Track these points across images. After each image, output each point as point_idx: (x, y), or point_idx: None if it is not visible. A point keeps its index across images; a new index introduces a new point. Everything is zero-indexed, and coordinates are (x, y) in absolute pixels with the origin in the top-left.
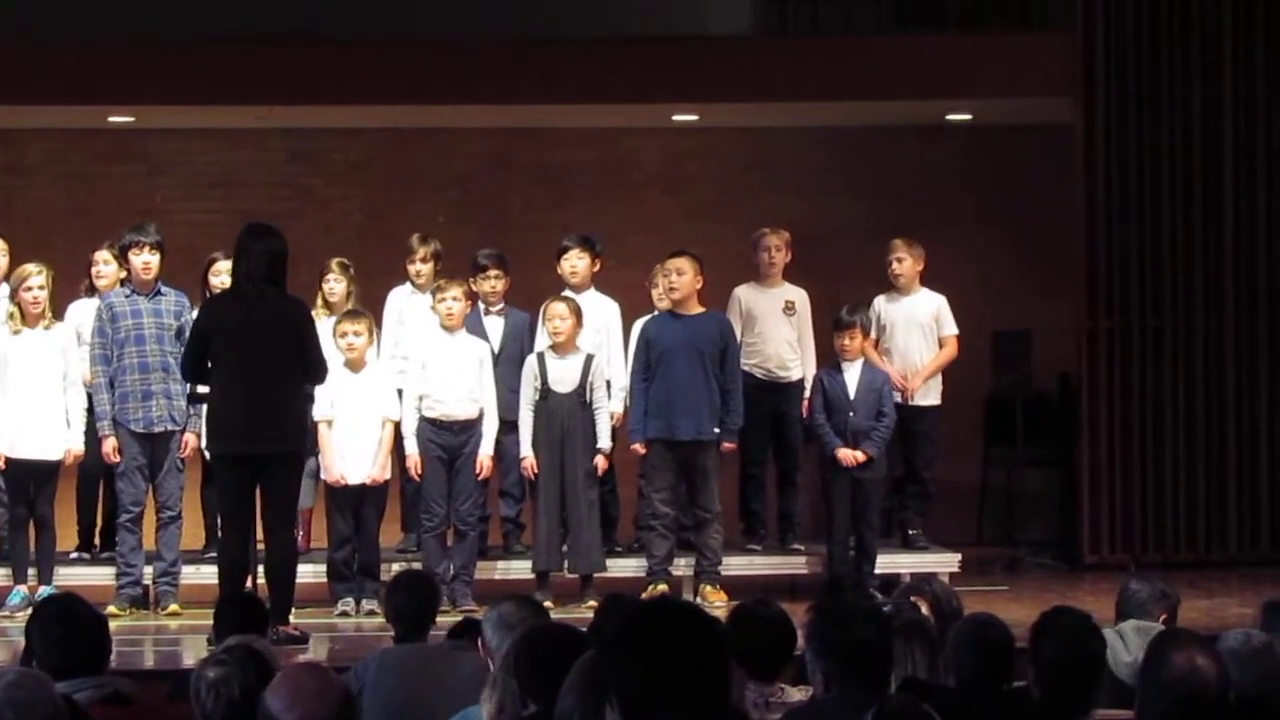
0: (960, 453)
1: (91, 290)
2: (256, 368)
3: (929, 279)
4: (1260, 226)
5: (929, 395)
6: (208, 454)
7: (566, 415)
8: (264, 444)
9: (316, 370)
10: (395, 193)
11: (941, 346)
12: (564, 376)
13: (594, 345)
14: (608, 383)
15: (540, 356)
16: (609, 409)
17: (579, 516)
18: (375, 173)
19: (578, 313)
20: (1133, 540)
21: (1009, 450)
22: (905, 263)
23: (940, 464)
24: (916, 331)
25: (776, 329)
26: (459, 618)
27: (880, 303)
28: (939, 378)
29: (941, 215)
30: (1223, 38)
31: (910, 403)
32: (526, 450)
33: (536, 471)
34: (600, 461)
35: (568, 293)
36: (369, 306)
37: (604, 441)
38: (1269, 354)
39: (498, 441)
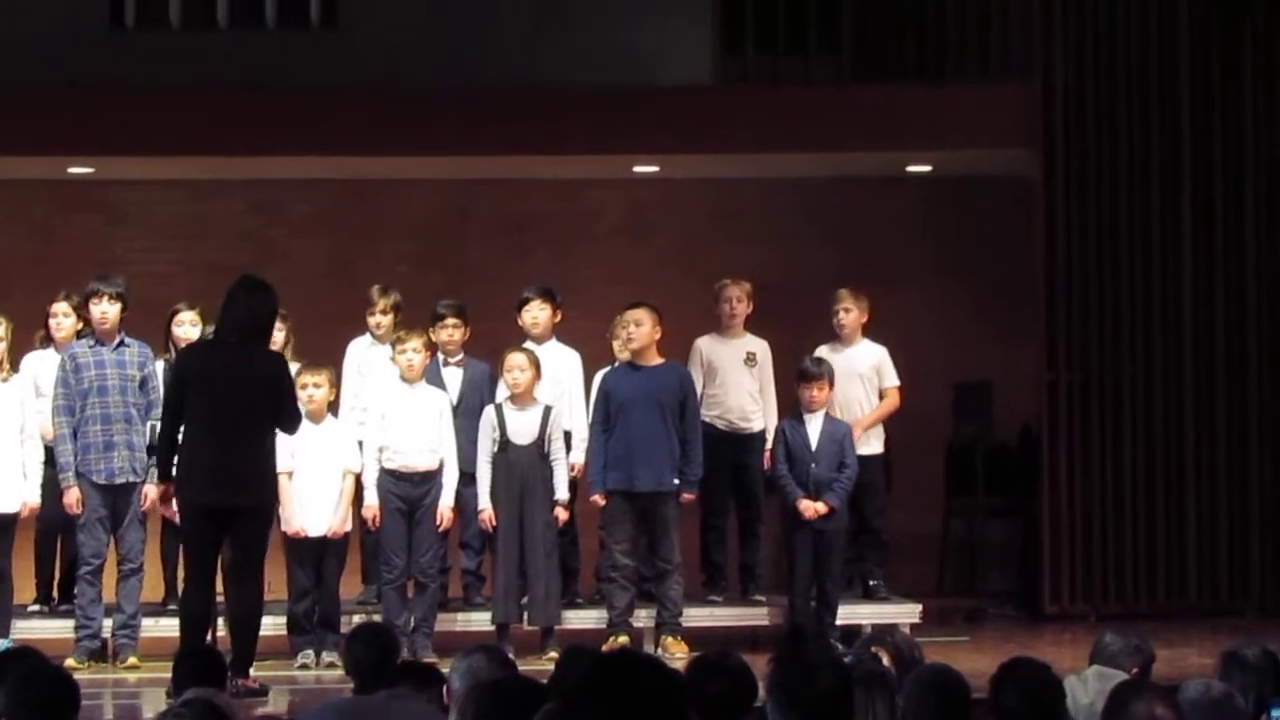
0: (921, 503)
1: (48, 341)
2: (230, 419)
3: (890, 329)
4: (1218, 279)
5: (870, 444)
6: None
7: (526, 467)
8: (234, 497)
9: (291, 421)
10: (356, 244)
11: (883, 398)
12: (523, 428)
13: (554, 396)
14: (567, 434)
15: (499, 408)
16: (568, 460)
17: (538, 568)
18: (337, 224)
19: (536, 364)
20: (1093, 590)
21: (970, 501)
22: (851, 314)
23: (901, 515)
24: (857, 382)
25: (738, 380)
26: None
27: (823, 353)
28: (880, 427)
29: (903, 266)
30: (1180, 92)
31: None
32: (485, 503)
33: (495, 524)
34: (560, 513)
35: (528, 344)
36: (330, 358)
37: (563, 493)
38: (1226, 405)
39: (457, 493)
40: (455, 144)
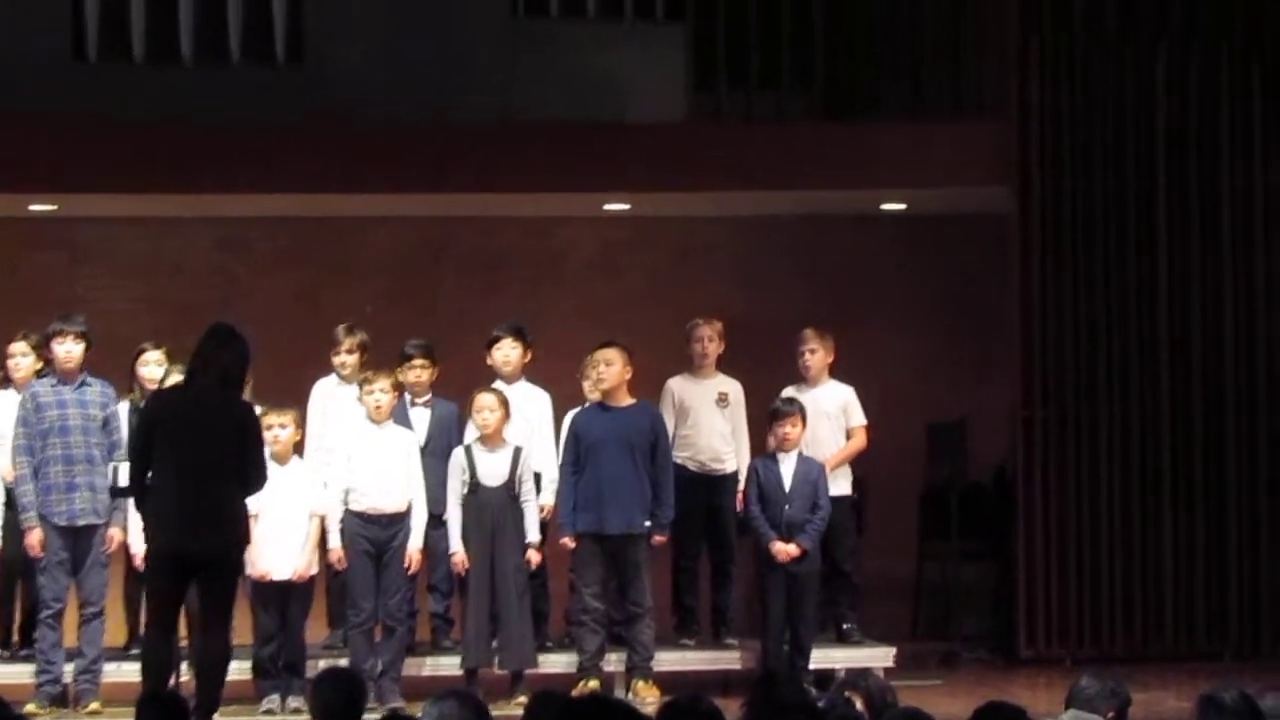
0: (895, 546)
1: (6, 383)
2: (200, 466)
3: (864, 368)
4: (1194, 315)
5: (838, 485)
6: (134, 549)
7: (496, 509)
8: (203, 545)
9: (255, 478)
10: (323, 281)
11: (850, 438)
12: (493, 469)
13: (524, 437)
14: (537, 475)
15: (468, 449)
16: (538, 502)
17: (509, 611)
18: (303, 261)
19: (505, 404)
20: (1069, 634)
21: (944, 543)
22: (816, 354)
23: (875, 557)
24: (824, 423)
25: (710, 421)
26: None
27: (789, 395)
28: (848, 468)
29: (877, 304)
30: (1156, 127)
31: None
32: (456, 545)
33: (467, 567)
34: (532, 555)
35: (498, 384)
36: (295, 398)
37: (533, 535)
38: (1203, 443)
39: (425, 535)
40: (424, 181)
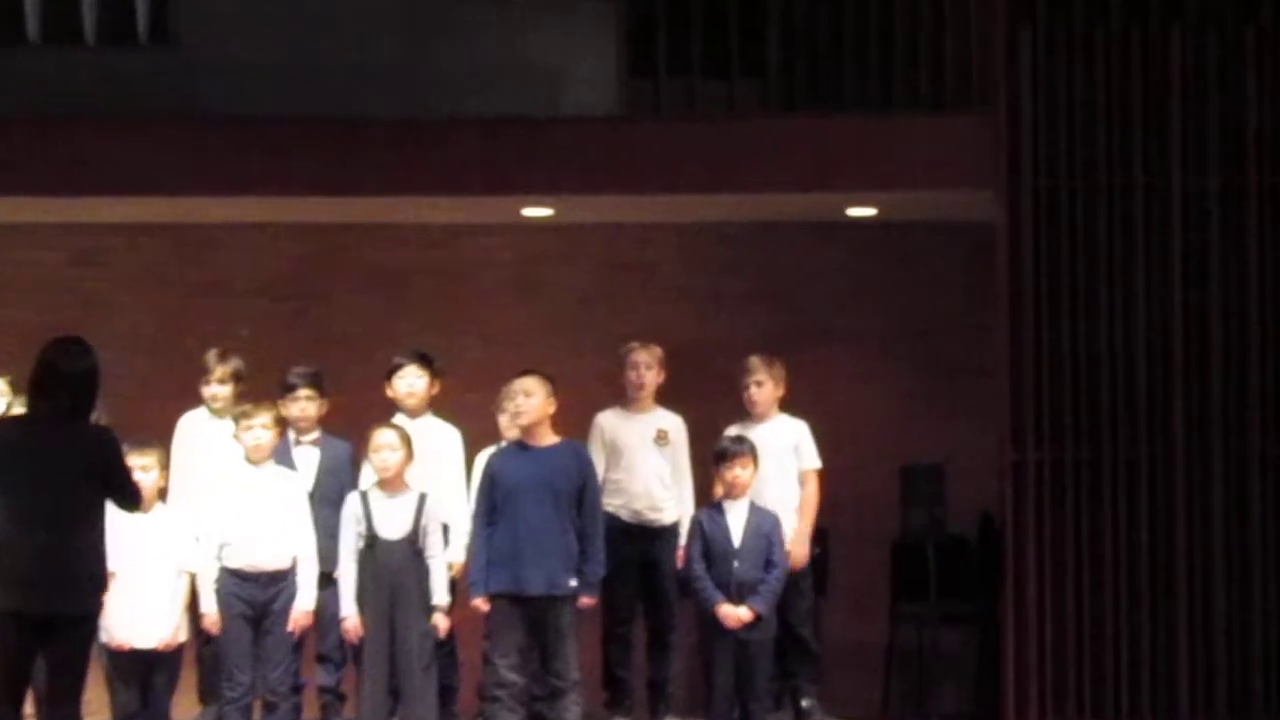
0: (863, 607)
1: None
2: (49, 510)
3: (825, 402)
4: (1213, 341)
5: (790, 525)
6: None
7: (397, 566)
8: (55, 603)
9: (129, 498)
10: (194, 300)
11: (802, 485)
12: (393, 519)
13: (430, 481)
14: (445, 527)
15: (364, 496)
16: (446, 558)
17: (411, 686)
18: (171, 277)
19: (408, 443)
20: (1066, 707)
21: (920, 604)
22: (764, 387)
23: (840, 620)
24: (772, 465)
25: (646, 462)
26: None
27: (735, 432)
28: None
29: (841, 328)
30: (1170, 122)
31: None
32: (349, 609)
33: (361, 634)
34: (438, 620)
35: (399, 418)
36: (159, 436)
37: (440, 597)
38: (1223, 489)
39: (314, 596)
40: (313, 183)
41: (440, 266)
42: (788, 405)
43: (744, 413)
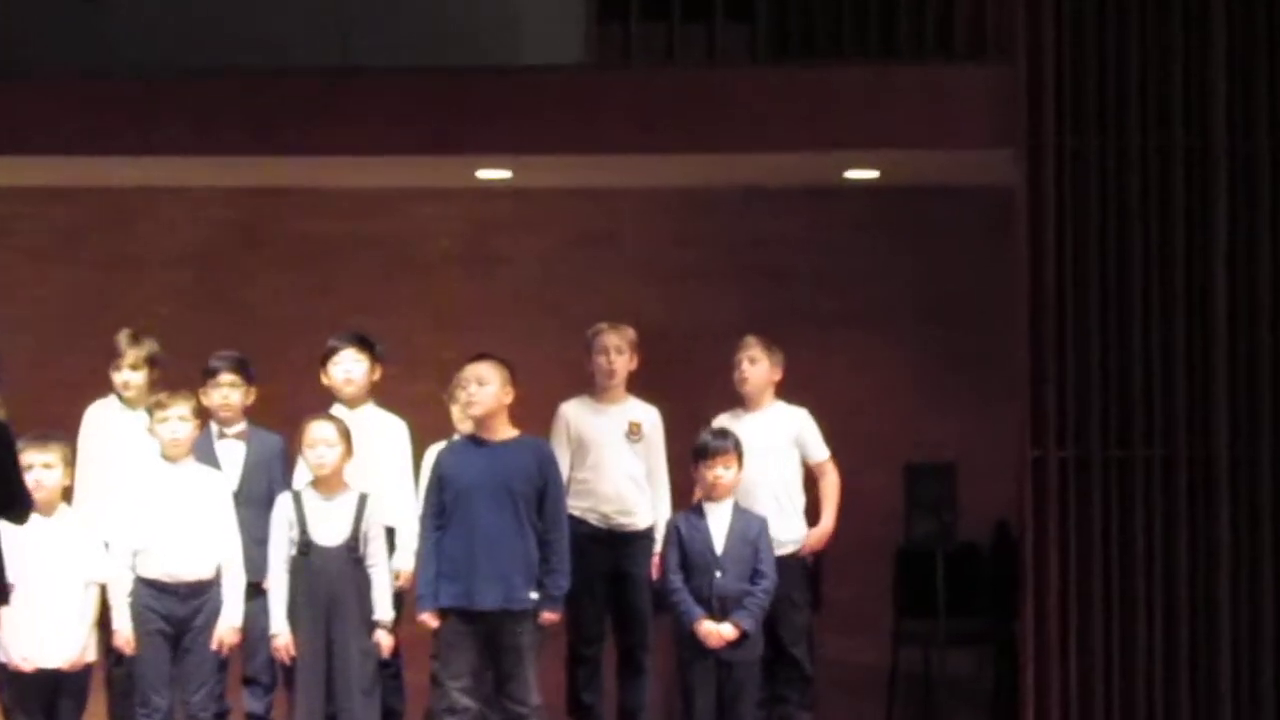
0: (862, 625)
1: None
2: None
3: (819, 393)
4: (1263, 323)
5: (789, 532)
6: None
7: (334, 576)
8: None
9: (16, 507)
10: (104, 275)
11: (820, 476)
12: (329, 523)
13: (372, 480)
14: (389, 531)
15: (296, 496)
16: (392, 567)
17: (351, 712)
18: (79, 248)
19: (347, 436)
20: None
21: (927, 622)
22: (759, 366)
23: (836, 640)
24: (769, 460)
25: (617, 460)
26: None
27: (723, 423)
28: (800, 514)
29: (837, 308)
30: (1214, 74)
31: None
32: (279, 624)
33: (294, 653)
34: (381, 638)
35: (336, 409)
36: (64, 429)
37: (384, 611)
38: (1272, 491)
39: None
40: (236, 142)
41: (382, 237)
42: (781, 394)
43: (732, 401)
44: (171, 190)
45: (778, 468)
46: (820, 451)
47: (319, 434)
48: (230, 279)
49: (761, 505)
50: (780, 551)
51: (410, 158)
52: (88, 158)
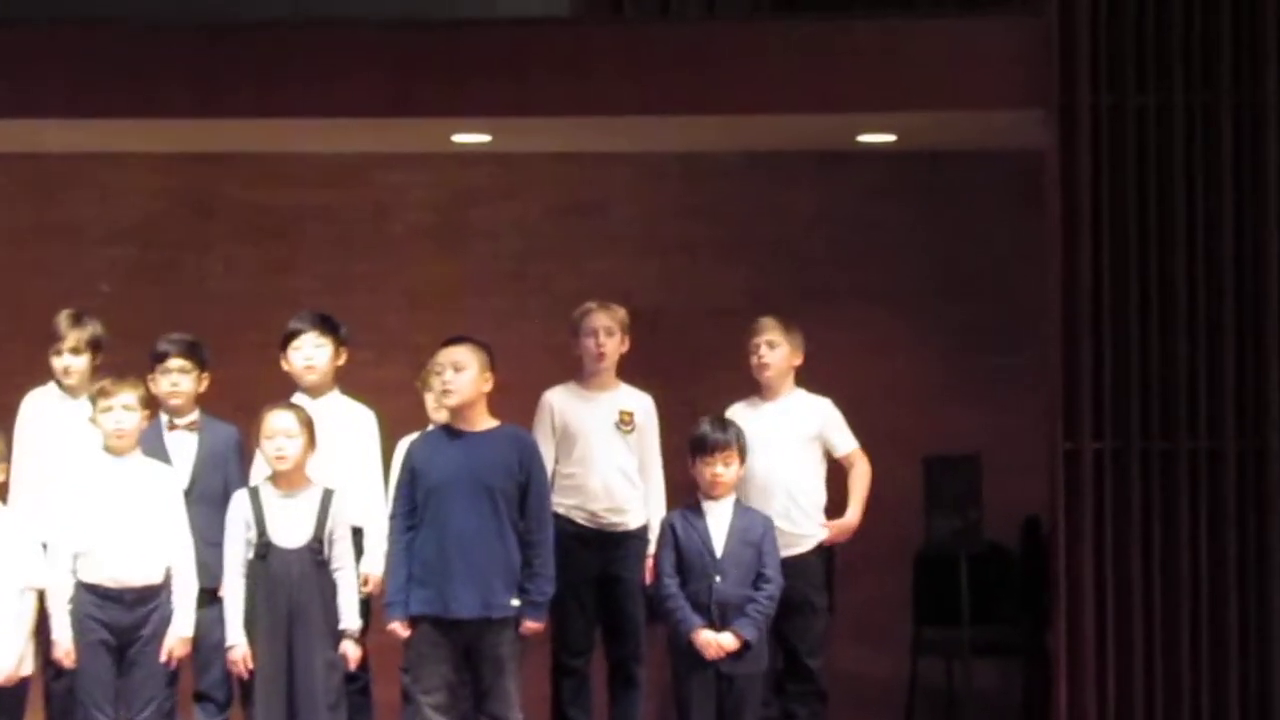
0: (878, 634)
1: None
2: None
3: (828, 378)
4: None
5: (808, 532)
6: None
7: (296, 581)
8: None
9: None
10: (39, 250)
11: (850, 467)
12: (291, 523)
13: (337, 476)
14: (357, 531)
15: (254, 493)
16: (360, 570)
17: None
18: (11, 220)
19: (309, 427)
20: None
21: (949, 630)
22: (778, 351)
23: (849, 649)
24: (790, 452)
25: (607, 452)
26: None
27: (738, 415)
28: (820, 504)
29: (849, 286)
30: (1264, 25)
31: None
32: (236, 634)
33: (251, 667)
34: (348, 648)
35: (297, 398)
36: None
37: (350, 620)
38: None
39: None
40: (183, 102)
41: (346, 208)
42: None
43: (734, 388)
44: (111, 156)
45: (798, 462)
46: (847, 442)
47: (278, 424)
48: (178, 253)
49: (779, 502)
50: (798, 551)
51: (377, 120)
52: (12, 120)
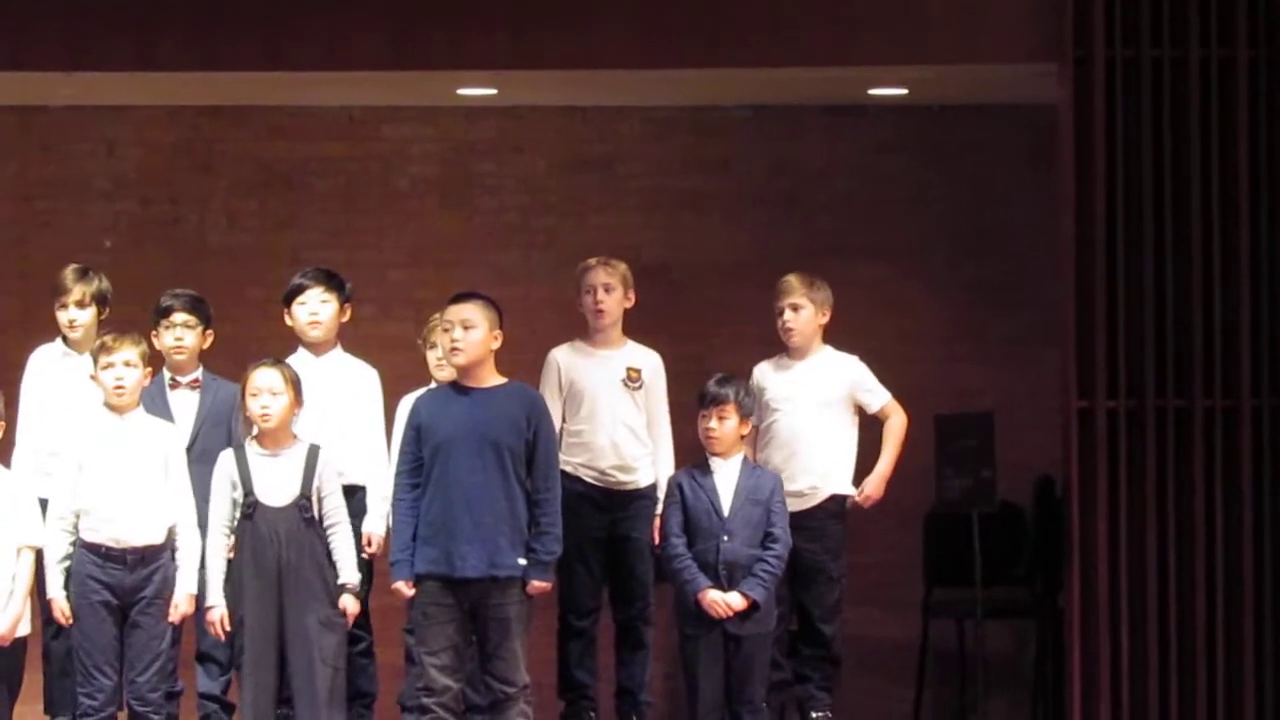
0: (888, 596)
1: None
2: None
3: (842, 336)
4: None
5: (826, 483)
6: None
7: (284, 539)
8: None
9: None
10: (39, 205)
11: (885, 419)
12: (276, 482)
13: (339, 434)
14: (358, 489)
15: (239, 452)
16: (365, 529)
17: (310, 693)
18: (8, 175)
19: (294, 384)
20: None
21: (961, 592)
22: (804, 312)
23: (859, 612)
24: (818, 414)
25: (613, 410)
26: None
27: (764, 374)
28: (850, 465)
29: (860, 242)
30: None
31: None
32: (215, 596)
33: (228, 628)
34: (347, 603)
35: (300, 353)
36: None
37: (348, 574)
38: None
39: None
40: (183, 55)
41: (349, 162)
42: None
43: (742, 345)
44: (113, 109)
45: (827, 421)
46: (880, 396)
47: (262, 381)
48: (180, 208)
49: (807, 462)
50: (813, 499)
51: (381, 73)
52: (14, 74)
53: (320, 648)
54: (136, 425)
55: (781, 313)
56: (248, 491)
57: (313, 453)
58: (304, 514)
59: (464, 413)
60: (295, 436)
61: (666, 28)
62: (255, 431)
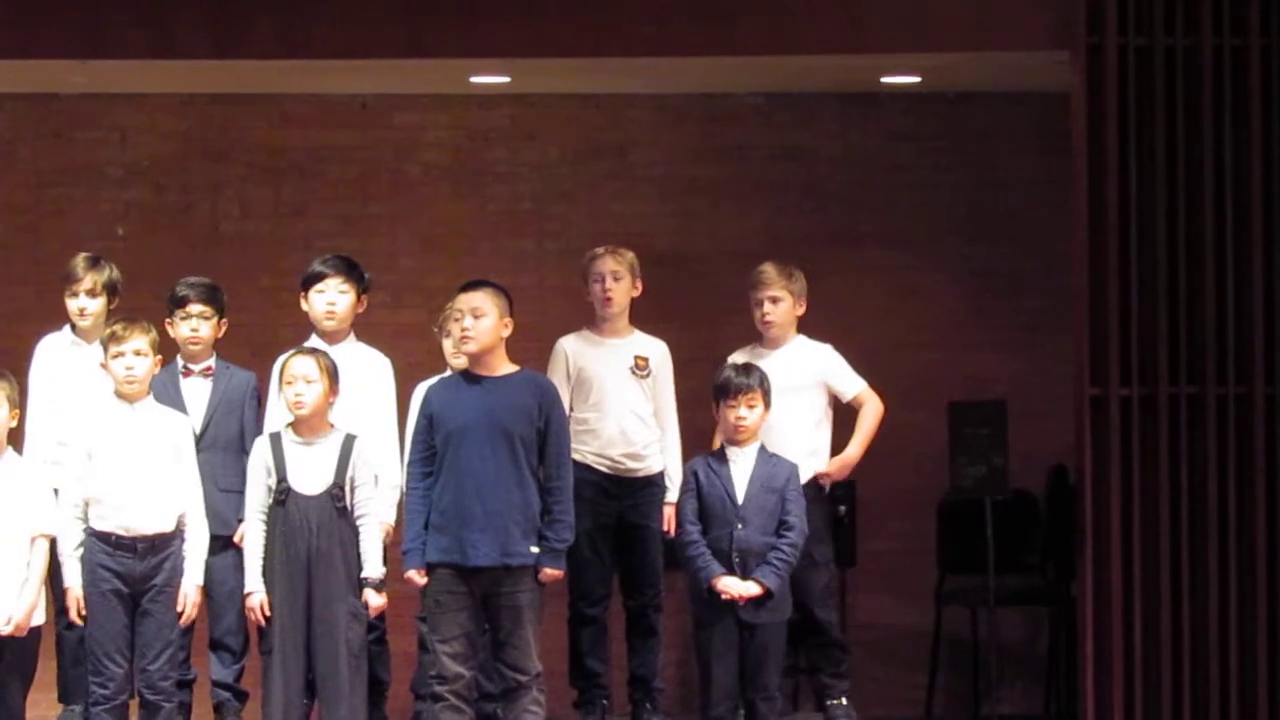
0: (902, 584)
1: None
2: None
3: (851, 324)
4: None
5: (802, 470)
6: None
7: (315, 528)
8: None
9: None
10: (52, 192)
11: (859, 407)
12: (311, 470)
13: (354, 423)
14: (376, 478)
15: (275, 439)
16: (381, 517)
17: (335, 682)
18: (22, 163)
19: (330, 372)
20: (1160, 713)
21: (974, 579)
22: (782, 304)
23: (872, 601)
24: (791, 401)
25: (622, 398)
26: None
27: (740, 360)
28: (824, 454)
29: (873, 229)
30: None
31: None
32: (255, 581)
33: (268, 614)
34: (371, 598)
35: (314, 342)
36: (11, 365)
37: (374, 567)
38: None
39: (207, 568)
40: (197, 43)
41: (362, 150)
42: (806, 327)
43: (752, 335)
44: (127, 97)
45: (800, 410)
46: (853, 384)
47: (297, 369)
48: (193, 196)
49: (779, 450)
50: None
51: (394, 61)
52: (26, 61)
53: (349, 639)
54: (147, 414)
55: (760, 304)
56: (281, 478)
57: (348, 442)
58: (336, 503)
59: (476, 401)
60: (332, 425)
61: (679, 15)
62: (268, 418)
